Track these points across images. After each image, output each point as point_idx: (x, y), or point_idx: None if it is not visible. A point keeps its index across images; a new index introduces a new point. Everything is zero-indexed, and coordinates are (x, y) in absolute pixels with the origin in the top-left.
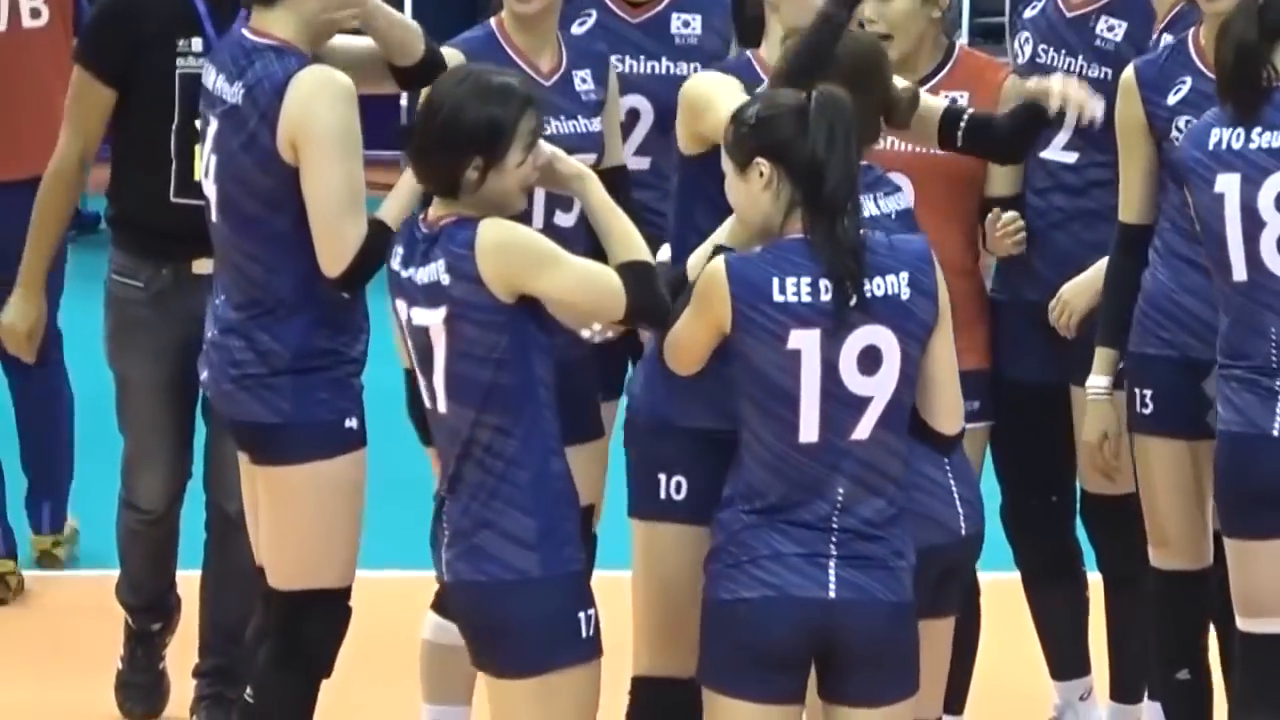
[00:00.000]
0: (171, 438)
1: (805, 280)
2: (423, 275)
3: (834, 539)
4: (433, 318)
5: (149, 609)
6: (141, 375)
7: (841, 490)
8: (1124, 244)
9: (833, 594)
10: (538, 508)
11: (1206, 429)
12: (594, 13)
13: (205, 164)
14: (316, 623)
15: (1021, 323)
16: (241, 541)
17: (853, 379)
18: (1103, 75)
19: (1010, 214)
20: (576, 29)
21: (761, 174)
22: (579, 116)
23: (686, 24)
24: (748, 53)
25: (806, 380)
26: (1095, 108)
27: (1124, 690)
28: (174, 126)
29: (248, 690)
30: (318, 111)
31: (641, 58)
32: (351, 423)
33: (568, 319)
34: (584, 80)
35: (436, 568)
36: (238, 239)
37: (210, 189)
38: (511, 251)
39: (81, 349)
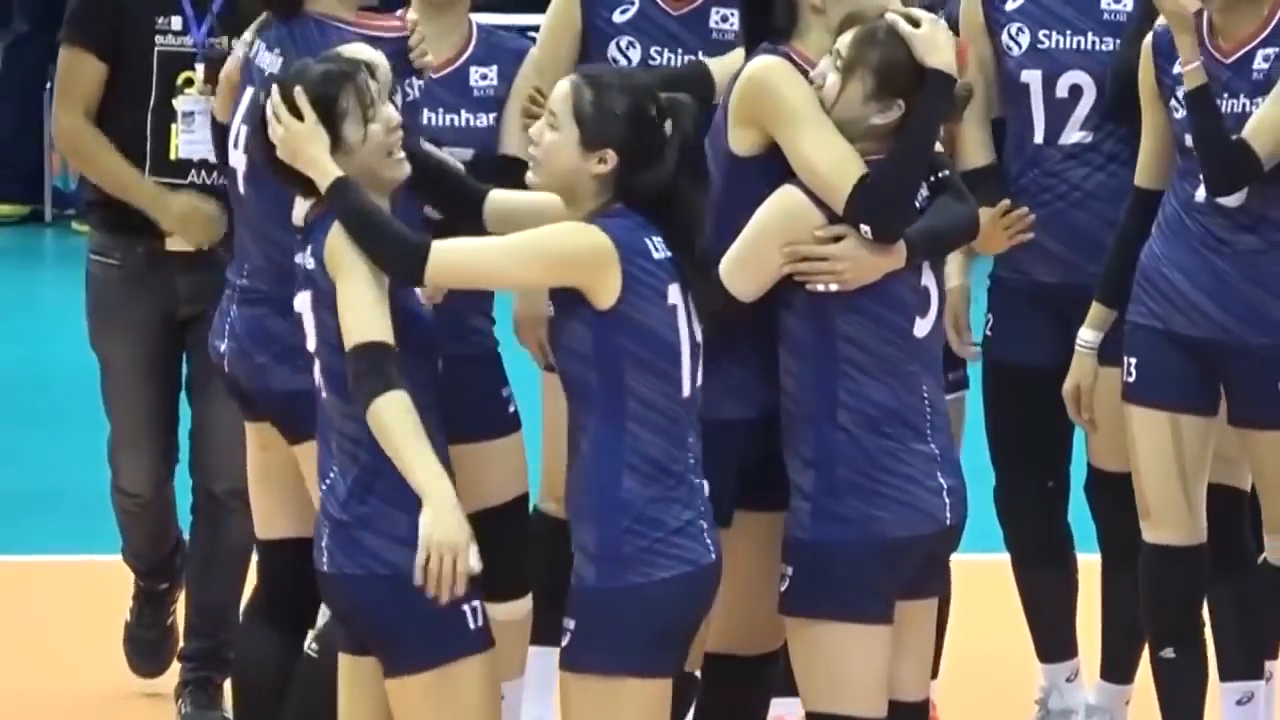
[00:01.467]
0: (154, 420)
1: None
2: (301, 261)
3: (700, 500)
4: (303, 302)
5: (154, 572)
6: (121, 355)
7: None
8: (1134, 207)
9: (714, 556)
10: (411, 504)
11: (1190, 402)
12: (637, 2)
13: (234, 134)
14: None
15: (1024, 304)
16: (229, 523)
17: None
18: (1115, 48)
19: (1021, 209)
20: (619, 16)
21: None
22: (461, 110)
23: (725, 18)
24: (783, 47)
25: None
26: None
27: (1115, 670)
28: (151, 105)
29: (310, 644)
30: None
31: (679, 50)
32: None
33: None
34: (483, 76)
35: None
36: (269, 207)
37: (239, 159)
38: (335, 250)
39: (66, 326)
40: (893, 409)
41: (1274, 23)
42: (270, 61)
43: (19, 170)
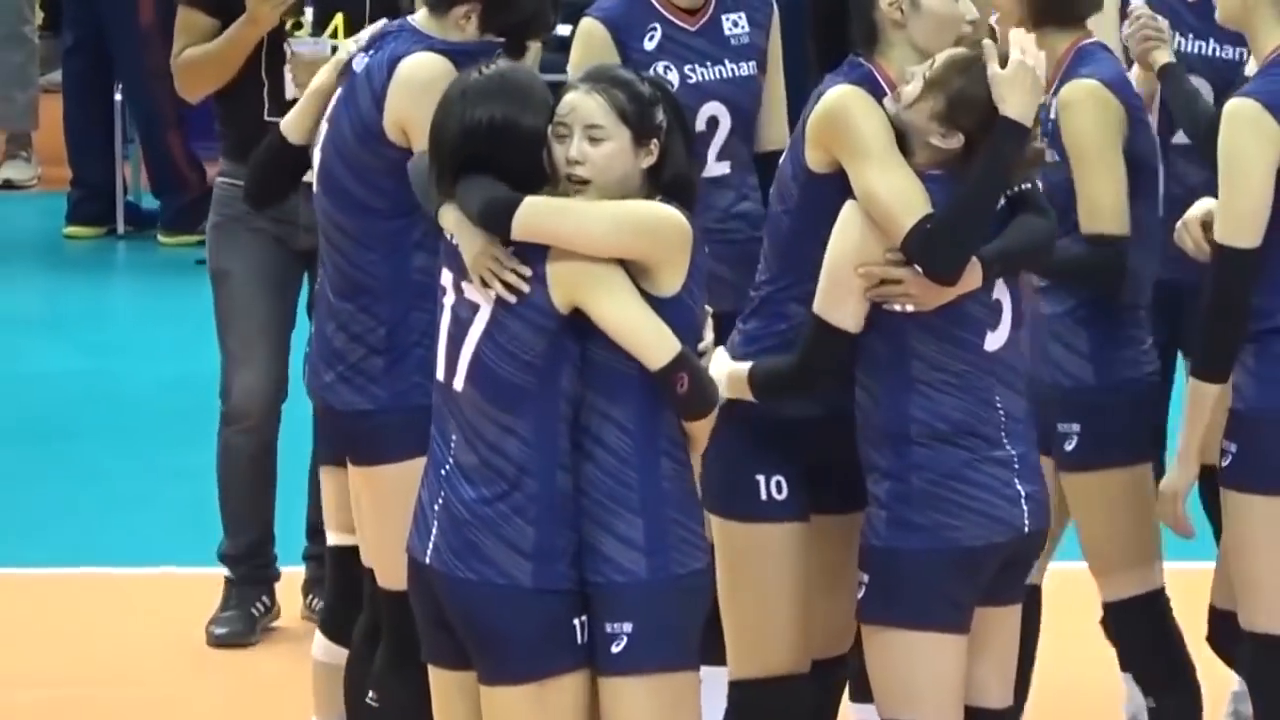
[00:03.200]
0: (268, 332)
1: None
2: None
3: None
4: (480, 296)
5: (246, 559)
6: (241, 268)
7: None
8: None
9: None
10: (540, 519)
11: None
12: (659, 26)
13: (319, 140)
14: None
15: None
16: None
17: None
18: (1238, 56)
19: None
20: (648, 44)
21: None
22: (725, 60)
23: (735, 23)
24: (867, 65)
25: None
26: None
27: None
28: (263, 50)
29: (369, 694)
30: (427, 99)
31: (708, 64)
32: None
33: None
34: (734, 24)
35: (419, 544)
36: (334, 212)
37: (315, 157)
38: (573, 274)
39: (141, 340)
40: (965, 423)
41: None
42: (357, 58)
43: (92, 189)
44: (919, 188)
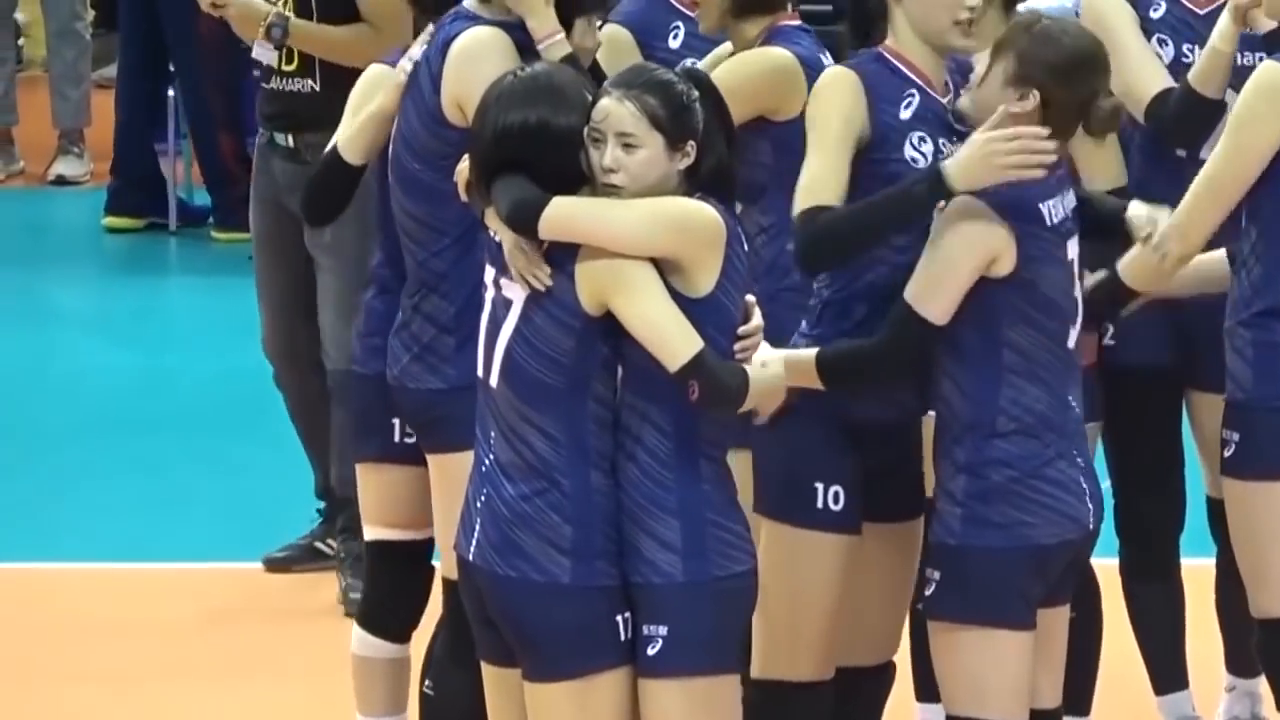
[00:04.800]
0: (271, 291)
1: None
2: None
3: None
4: (517, 292)
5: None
6: (252, 225)
7: None
8: None
9: None
10: (579, 517)
11: None
12: (681, 25)
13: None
14: None
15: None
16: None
17: None
18: (1258, 61)
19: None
20: (672, 42)
21: None
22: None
23: None
24: (878, 49)
25: None
26: None
27: (1241, 666)
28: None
29: (427, 682)
30: (481, 71)
31: None
32: None
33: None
34: None
35: (465, 541)
36: (405, 200)
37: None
38: (601, 273)
39: (196, 336)
40: (1049, 417)
41: None
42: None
43: (130, 180)
44: (839, 180)
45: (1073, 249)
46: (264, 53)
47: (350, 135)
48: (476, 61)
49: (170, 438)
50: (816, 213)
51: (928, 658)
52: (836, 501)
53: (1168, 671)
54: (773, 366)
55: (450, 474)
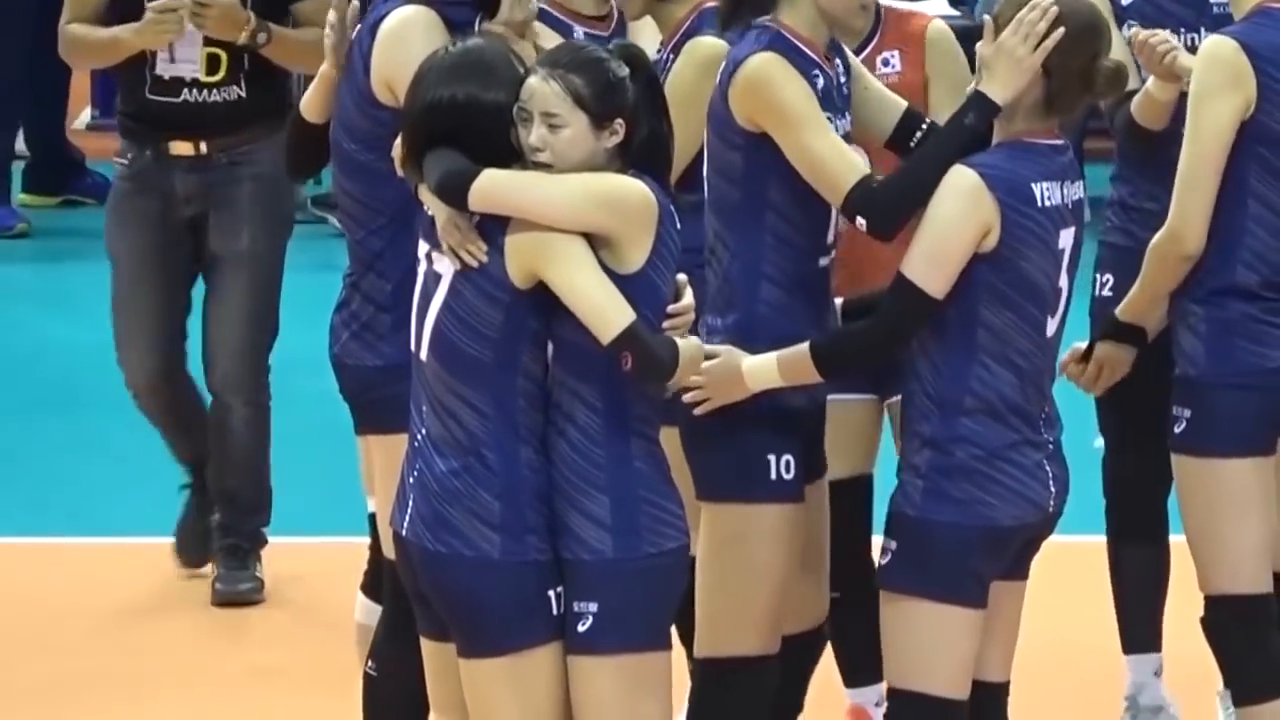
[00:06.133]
0: (153, 314)
1: None
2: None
3: None
4: (447, 266)
5: (196, 463)
6: (125, 250)
7: None
8: None
9: None
10: (504, 490)
11: None
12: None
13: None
14: None
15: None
16: (231, 421)
17: None
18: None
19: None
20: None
21: None
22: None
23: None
24: (774, 26)
25: None
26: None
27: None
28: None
29: (369, 663)
30: (409, 51)
31: None
32: None
33: None
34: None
35: (399, 517)
36: (344, 181)
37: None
38: (528, 244)
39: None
40: (1017, 403)
41: None
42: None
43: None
44: (853, 148)
45: (1066, 238)
46: (187, 66)
47: (307, 96)
48: (404, 41)
49: (117, 414)
50: (869, 180)
51: (852, 642)
52: (789, 470)
53: (1139, 633)
54: (693, 339)
55: (392, 455)
